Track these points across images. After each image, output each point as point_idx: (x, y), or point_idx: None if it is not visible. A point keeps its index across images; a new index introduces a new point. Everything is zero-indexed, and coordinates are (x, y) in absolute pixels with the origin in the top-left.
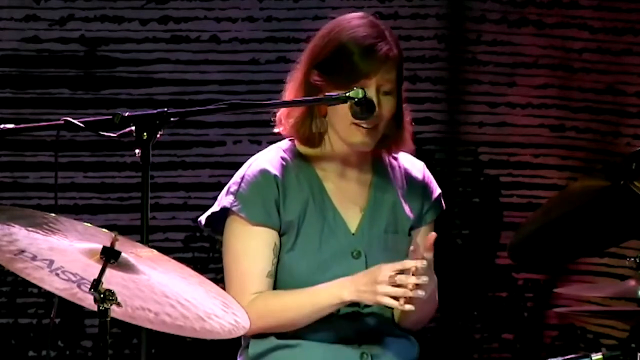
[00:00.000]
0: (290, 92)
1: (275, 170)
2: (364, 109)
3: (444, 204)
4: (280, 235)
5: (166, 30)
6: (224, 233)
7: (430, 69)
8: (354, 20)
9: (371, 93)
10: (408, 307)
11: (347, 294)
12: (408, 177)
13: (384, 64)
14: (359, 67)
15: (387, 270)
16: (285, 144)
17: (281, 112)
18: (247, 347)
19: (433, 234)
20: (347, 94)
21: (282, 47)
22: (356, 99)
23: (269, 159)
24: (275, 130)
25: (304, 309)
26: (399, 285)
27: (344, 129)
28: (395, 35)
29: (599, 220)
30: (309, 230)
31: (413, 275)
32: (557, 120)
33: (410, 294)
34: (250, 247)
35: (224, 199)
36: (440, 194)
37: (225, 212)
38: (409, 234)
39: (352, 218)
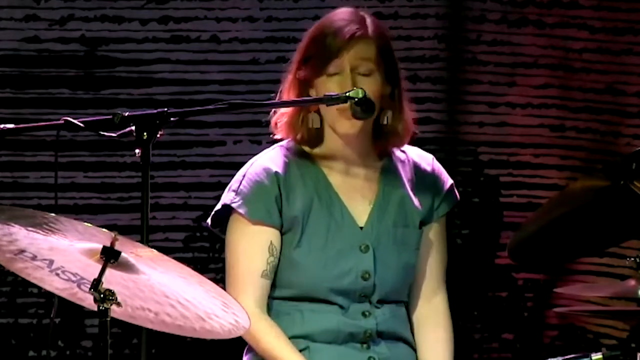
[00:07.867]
0: (283, 93)
1: (277, 167)
2: (364, 108)
3: (457, 195)
4: (283, 233)
5: (166, 30)
6: (226, 231)
7: (430, 69)
8: (336, 14)
9: (345, 73)
10: None
11: None
12: (417, 170)
13: (354, 43)
14: (329, 47)
15: None
16: (287, 142)
17: (276, 116)
18: None
19: None
20: (347, 94)
21: (282, 47)
22: (356, 99)
23: (271, 157)
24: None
25: None
26: None
27: (332, 117)
28: (379, 23)
29: (599, 220)
30: (315, 226)
31: None
32: (557, 120)
33: None
34: (248, 246)
35: (225, 196)
36: (452, 184)
37: (228, 210)
38: (420, 228)
39: (361, 212)
